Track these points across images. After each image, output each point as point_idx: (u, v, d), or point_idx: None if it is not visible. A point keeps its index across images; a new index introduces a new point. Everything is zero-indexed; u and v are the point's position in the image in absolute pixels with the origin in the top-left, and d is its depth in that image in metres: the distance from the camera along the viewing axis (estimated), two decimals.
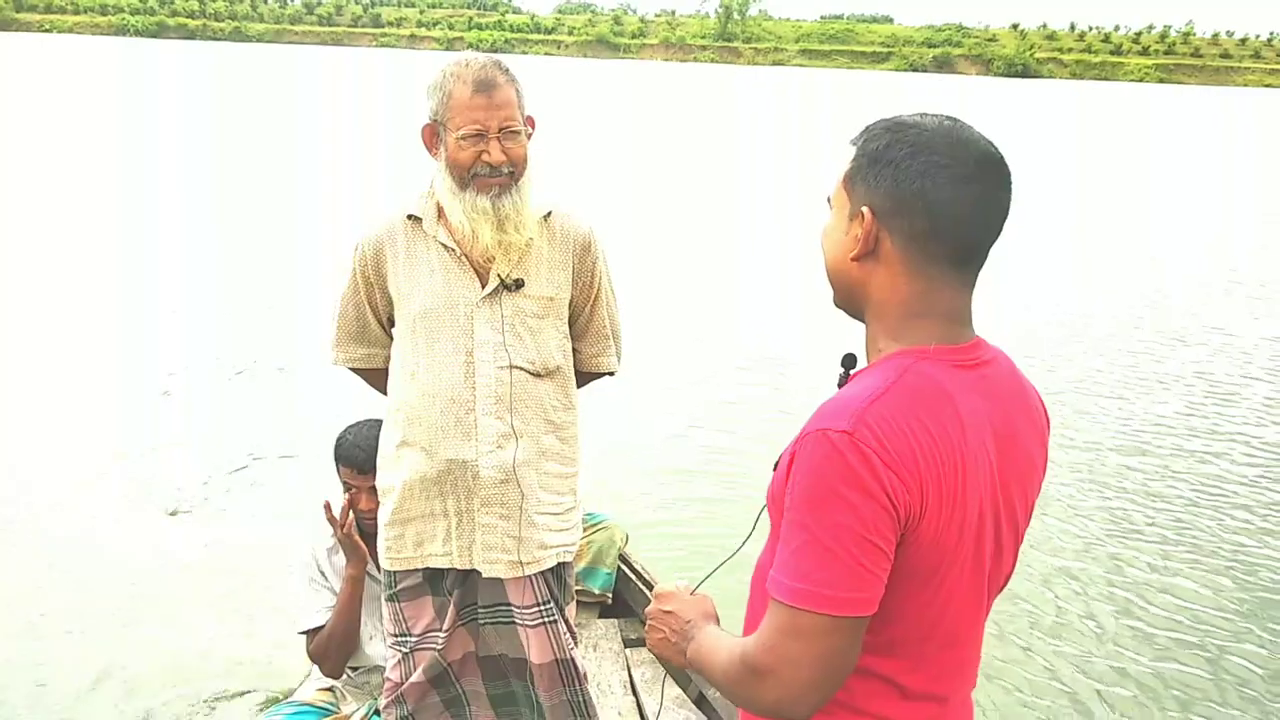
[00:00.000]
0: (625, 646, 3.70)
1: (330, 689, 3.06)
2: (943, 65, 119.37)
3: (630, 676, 3.53)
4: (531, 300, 2.40)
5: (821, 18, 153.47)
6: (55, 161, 16.41)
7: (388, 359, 2.55)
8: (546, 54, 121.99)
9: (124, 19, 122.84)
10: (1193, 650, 4.20)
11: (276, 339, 7.93)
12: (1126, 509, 5.44)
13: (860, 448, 1.20)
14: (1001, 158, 1.31)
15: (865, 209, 1.32)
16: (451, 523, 2.43)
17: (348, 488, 2.86)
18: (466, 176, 2.26)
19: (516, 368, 2.38)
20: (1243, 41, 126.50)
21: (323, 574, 2.96)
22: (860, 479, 1.19)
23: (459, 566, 2.47)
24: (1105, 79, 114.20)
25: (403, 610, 2.56)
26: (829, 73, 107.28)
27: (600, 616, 3.85)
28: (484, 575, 2.45)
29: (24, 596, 4.39)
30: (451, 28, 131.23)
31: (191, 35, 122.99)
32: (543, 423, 2.44)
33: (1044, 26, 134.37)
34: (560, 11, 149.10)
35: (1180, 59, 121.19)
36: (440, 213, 2.37)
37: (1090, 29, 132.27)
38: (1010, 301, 9.77)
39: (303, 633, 2.95)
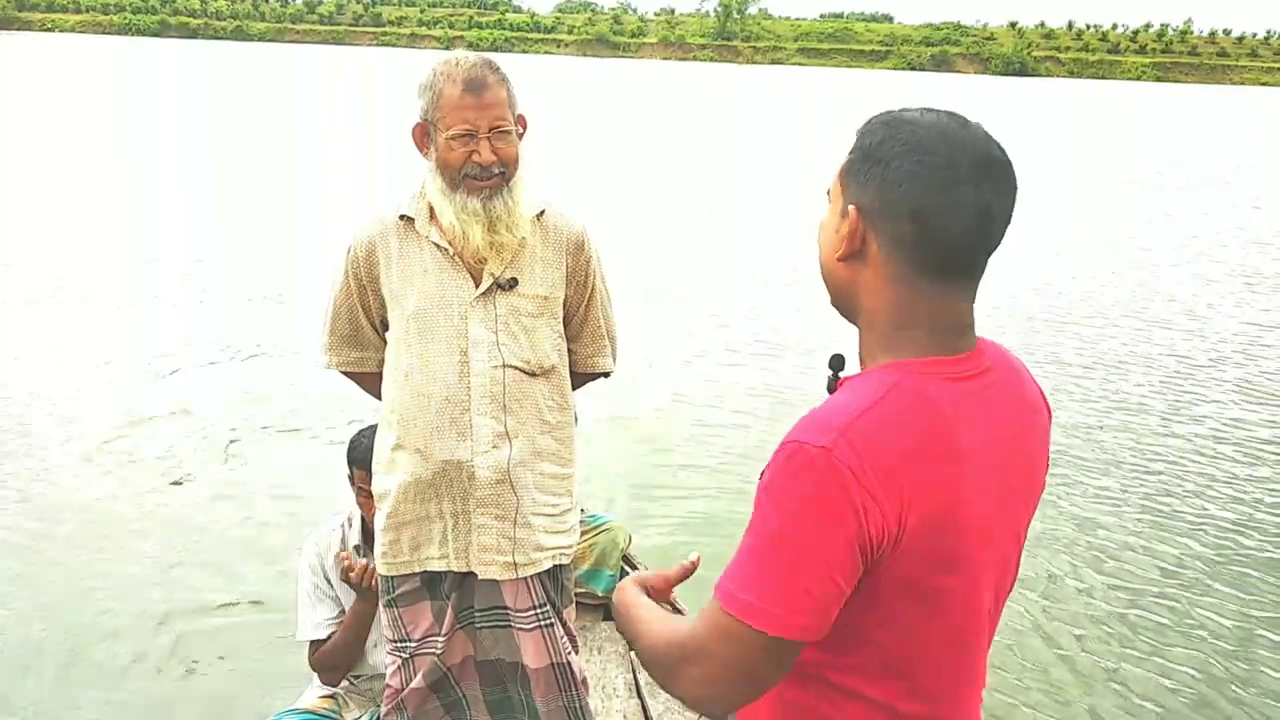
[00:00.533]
0: (629, 649, 3.64)
1: (332, 696, 3.07)
2: (940, 64, 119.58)
3: (635, 679, 3.53)
4: (525, 299, 2.40)
5: (821, 16, 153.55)
6: (56, 160, 16.63)
7: (380, 362, 2.53)
8: (546, 53, 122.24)
9: (126, 18, 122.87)
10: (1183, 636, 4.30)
11: (276, 327, 8.25)
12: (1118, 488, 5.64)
13: (837, 466, 1.15)
14: (1002, 160, 1.24)
15: (852, 207, 1.27)
16: (447, 525, 2.43)
17: (361, 493, 2.84)
18: (457, 177, 2.27)
19: (511, 367, 2.38)
20: (1240, 40, 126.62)
21: (328, 581, 2.94)
22: (830, 502, 1.15)
23: (456, 569, 2.46)
24: (1102, 77, 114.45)
25: (401, 616, 2.54)
26: (827, 71, 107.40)
27: (604, 619, 3.84)
28: (480, 578, 2.45)
29: (26, 562, 4.60)
30: (452, 26, 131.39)
31: (193, 34, 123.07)
32: (538, 423, 2.45)
33: (1042, 25, 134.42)
34: (560, 10, 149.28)
35: (1177, 57, 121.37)
36: (432, 213, 2.37)
37: (1088, 27, 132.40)
38: (1004, 294, 10.03)
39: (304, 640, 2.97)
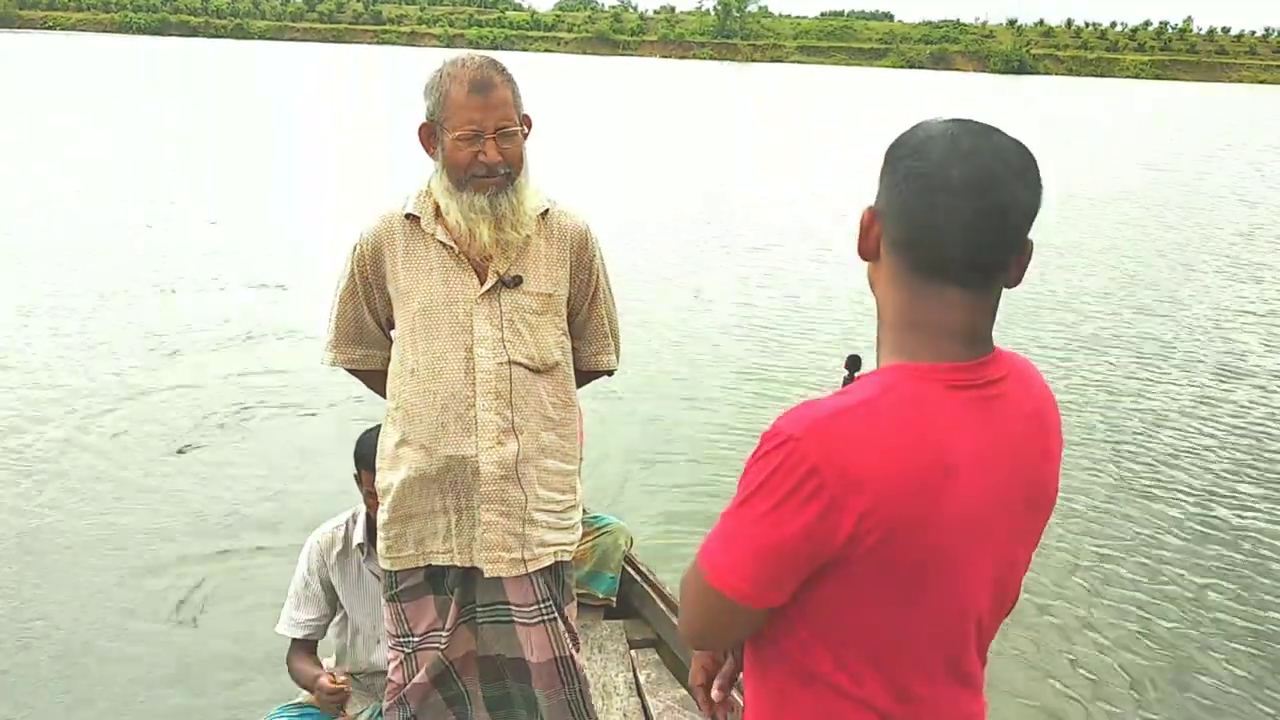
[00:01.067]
0: (630, 648, 3.72)
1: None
2: (940, 62, 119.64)
3: (635, 678, 3.56)
4: (530, 297, 2.43)
5: (821, 14, 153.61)
6: (57, 155, 16.82)
7: (385, 360, 2.55)
8: (546, 50, 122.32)
9: (126, 15, 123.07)
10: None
11: (276, 310, 8.60)
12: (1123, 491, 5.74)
13: (800, 458, 1.18)
14: (1002, 177, 1.21)
15: (867, 209, 1.31)
16: (451, 520, 2.45)
17: (370, 495, 2.82)
18: (464, 177, 2.30)
19: (516, 363, 2.41)
20: (1238, 38, 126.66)
21: (324, 584, 2.95)
22: (786, 489, 1.19)
23: (460, 564, 2.48)
24: (1101, 75, 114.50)
25: (404, 610, 2.56)
26: (826, 69, 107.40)
27: (605, 618, 3.88)
28: (485, 574, 2.47)
29: (29, 526, 4.85)
30: (452, 25, 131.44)
31: (194, 32, 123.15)
32: (542, 419, 2.47)
33: (1041, 23, 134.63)
34: (560, 8, 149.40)
35: (1176, 55, 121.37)
36: (438, 211, 2.39)
37: (1086, 25, 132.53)
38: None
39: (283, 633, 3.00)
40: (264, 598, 4.19)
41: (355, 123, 26.17)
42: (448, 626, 2.54)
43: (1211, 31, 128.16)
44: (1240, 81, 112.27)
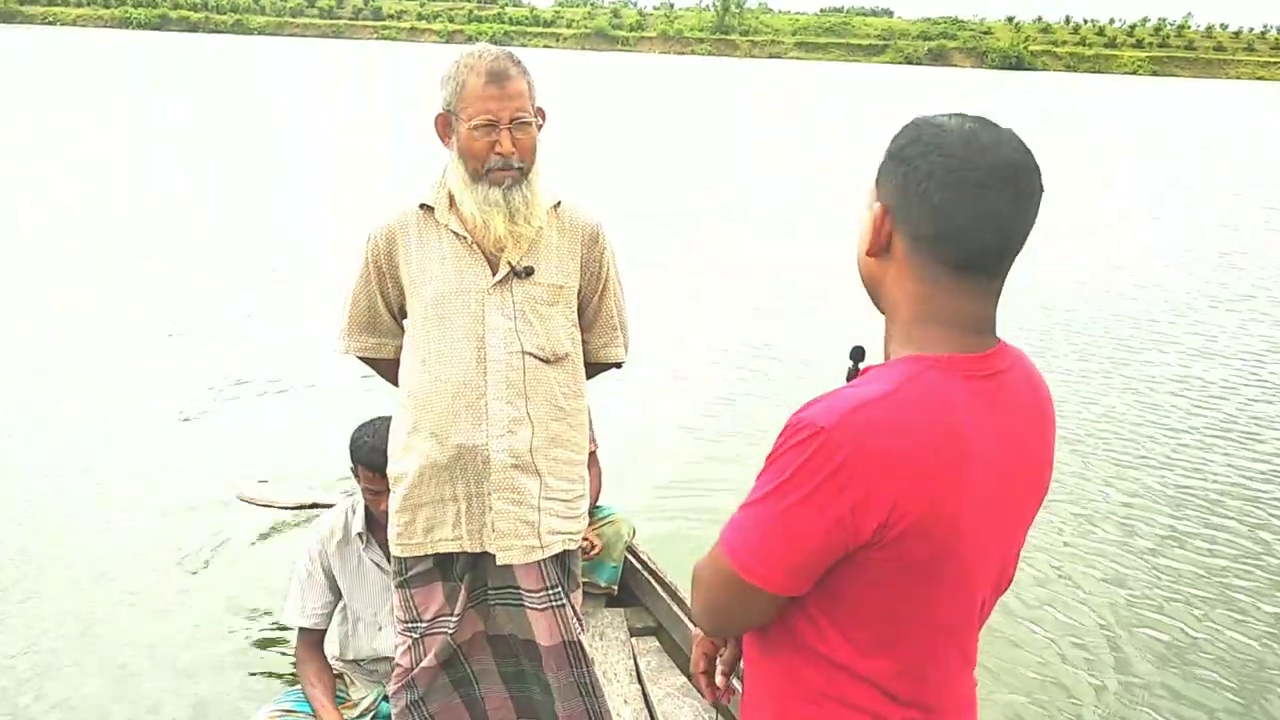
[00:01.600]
0: (631, 635, 3.75)
1: (340, 676, 3.10)
2: (938, 58, 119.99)
3: (636, 665, 3.58)
4: (541, 288, 2.44)
5: (821, 11, 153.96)
6: (59, 154, 16.84)
7: (397, 349, 2.57)
8: (545, 46, 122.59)
9: (126, 11, 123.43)
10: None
11: (276, 294, 8.89)
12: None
13: (831, 449, 1.20)
14: (1025, 167, 1.26)
15: (878, 205, 1.32)
16: (461, 507, 2.46)
17: (367, 491, 2.85)
18: (480, 169, 2.32)
19: (527, 354, 2.42)
20: (1236, 34, 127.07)
21: (325, 571, 2.96)
22: (817, 481, 1.21)
23: (469, 550, 2.50)
24: (1099, 71, 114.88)
25: (413, 596, 2.57)
26: (824, 66, 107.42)
27: (606, 606, 3.91)
28: (497, 562, 2.49)
29: (32, 492, 5.00)
30: (451, 20, 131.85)
31: (194, 28, 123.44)
32: (552, 409, 2.48)
33: (1039, 19, 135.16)
34: (559, 4, 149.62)
35: (1174, 51, 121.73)
36: (452, 201, 2.41)
37: (1085, 22, 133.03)
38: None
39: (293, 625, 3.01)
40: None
41: (357, 122, 26.17)
42: (456, 612, 2.56)
43: (1209, 28, 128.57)
44: (1238, 78, 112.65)
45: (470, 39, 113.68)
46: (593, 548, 3.73)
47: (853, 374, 1.40)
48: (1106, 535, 5.11)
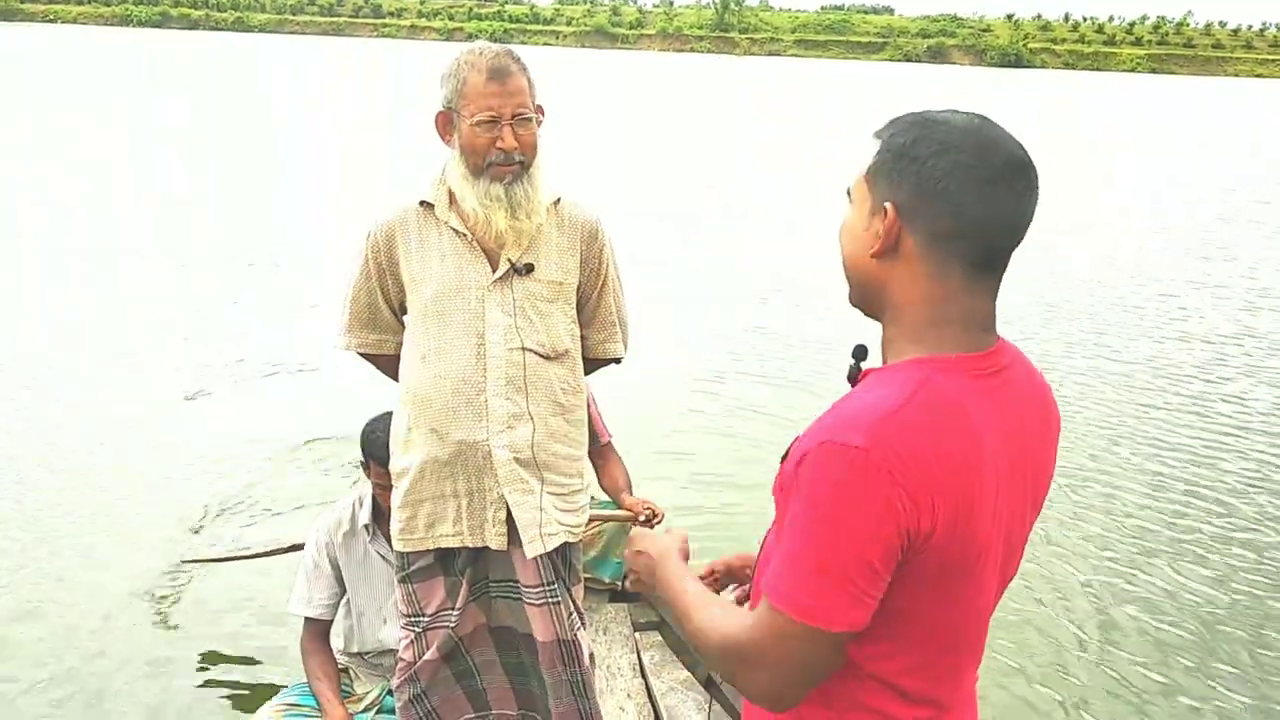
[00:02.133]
0: (635, 630, 3.77)
1: (345, 670, 3.11)
2: (937, 55, 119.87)
3: (640, 659, 3.60)
4: (541, 284, 2.46)
5: (822, 8, 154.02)
6: (60, 154, 16.87)
7: (398, 345, 2.57)
8: (545, 44, 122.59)
9: (127, 9, 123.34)
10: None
11: (277, 284, 9.06)
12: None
13: (878, 467, 1.18)
14: (1029, 161, 1.28)
15: (888, 205, 1.29)
16: (462, 503, 2.48)
17: (378, 487, 2.87)
18: (482, 164, 2.33)
19: (527, 350, 2.44)
20: (1235, 32, 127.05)
21: (331, 561, 2.97)
22: (872, 501, 1.18)
23: (470, 545, 2.52)
24: (1098, 69, 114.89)
25: (415, 591, 2.60)
26: (823, 63, 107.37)
27: (610, 601, 3.94)
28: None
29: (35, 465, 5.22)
30: (451, 18, 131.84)
31: (194, 25, 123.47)
32: (552, 405, 2.50)
33: (1038, 17, 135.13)
34: (559, 2, 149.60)
35: (1172, 49, 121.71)
36: (452, 199, 2.42)
37: (1084, 19, 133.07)
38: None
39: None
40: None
41: (357, 120, 26.16)
42: (458, 606, 2.58)
43: (1208, 26, 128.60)
44: (1236, 75, 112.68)
45: (470, 37, 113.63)
46: (654, 515, 3.63)
47: (854, 372, 1.38)
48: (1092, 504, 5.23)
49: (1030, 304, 9.59)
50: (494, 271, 2.42)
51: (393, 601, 2.86)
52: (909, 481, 1.18)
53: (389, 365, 2.63)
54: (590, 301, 2.61)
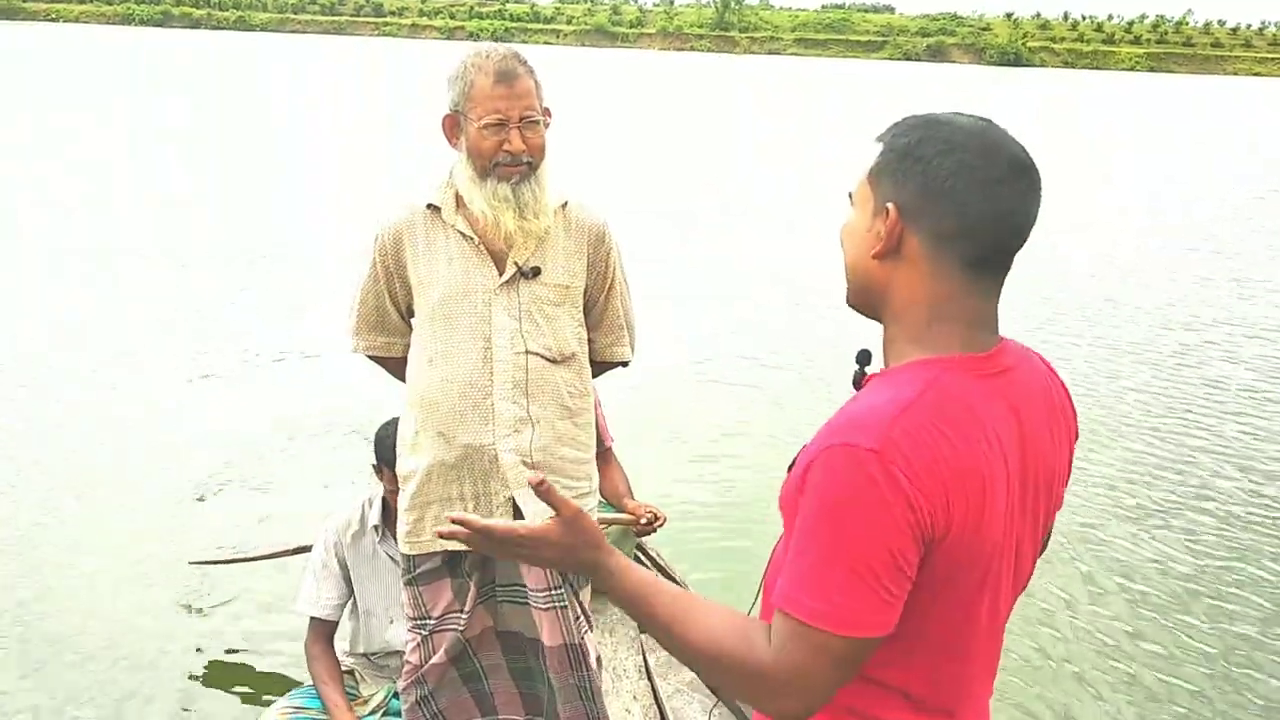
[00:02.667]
0: (640, 632, 3.74)
1: (350, 672, 3.10)
2: (936, 54, 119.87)
3: (645, 661, 3.57)
4: (548, 288, 2.45)
5: (822, 7, 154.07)
6: (60, 154, 16.86)
7: (406, 348, 2.57)
8: (546, 43, 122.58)
9: (129, 7, 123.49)
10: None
11: (278, 278, 9.14)
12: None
13: (889, 468, 1.16)
14: (1033, 164, 1.28)
15: (890, 205, 1.29)
16: (468, 506, 2.48)
17: (390, 492, 2.86)
18: (488, 165, 2.31)
19: (533, 353, 2.43)
20: (1234, 31, 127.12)
21: (340, 561, 2.97)
22: (888, 501, 1.16)
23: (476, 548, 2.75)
24: (1097, 68, 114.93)
25: (421, 594, 2.59)
26: (823, 62, 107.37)
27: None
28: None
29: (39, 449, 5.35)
30: (453, 17, 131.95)
31: (196, 24, 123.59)
32: (559, 408, 2.49)
33: (1038, 15, 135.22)
34: (560, 1, 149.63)
35: (1171, 48, 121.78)
36: (459, 202, 2.42)
37: (1083, 18, 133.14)
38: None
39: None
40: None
41: (357, 120, 26.16)
42: (465, 609, 2.58)
43: (1207, 25, 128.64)
44: (1235, 74, 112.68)
45: (471, 35, 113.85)
46: (656, 519, 3.66)
47: (858, 377, 1.38)
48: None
49: (1029, 302, 9.60)
50: (500, 275, 2.42)
51: (400, 603, 2.85)
52: (920, 482, 1.17)
53: (397, 368, 2.63)
54: (597, 305, 2.60)
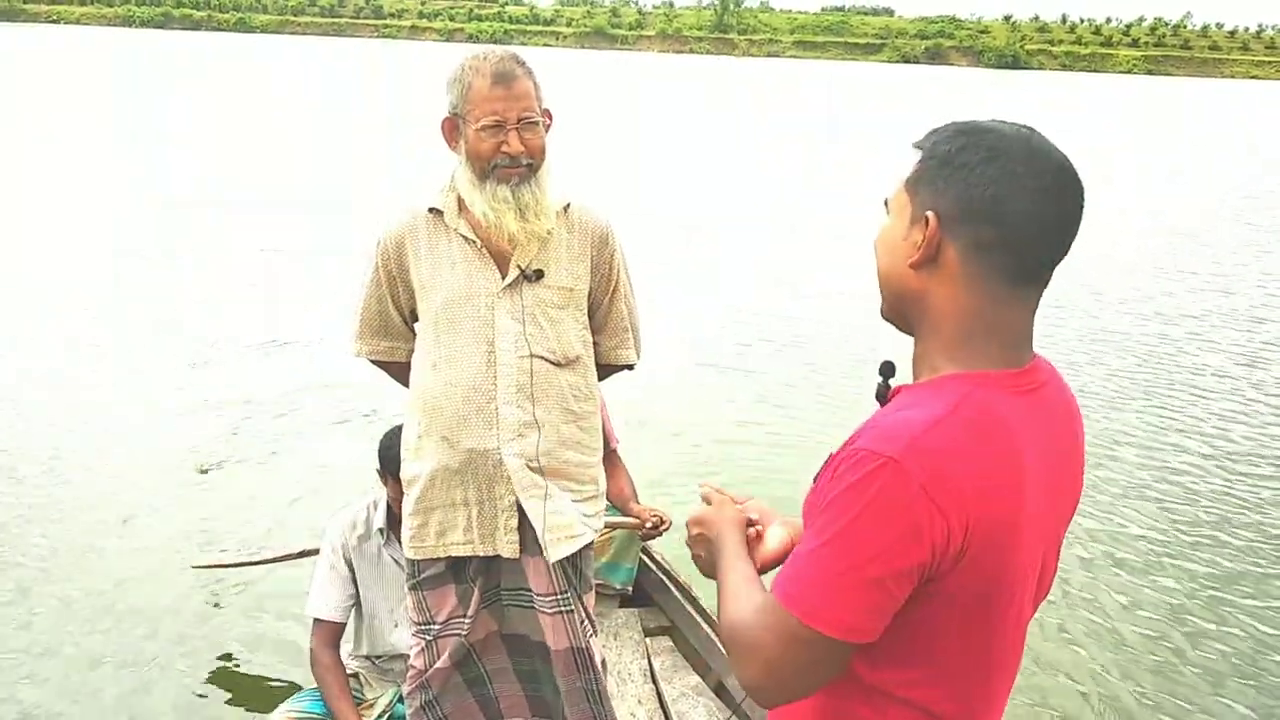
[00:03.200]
0: (645, 635, 3.72)
1: (355, 675, 3.08)
2: (934, 57, 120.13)
3: (650, 665, 3.55)
4: (551, 290, 2.42)
5: (822, 9, 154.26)
6: (59, 154, 16.90)
7: (409, 353, 2.56)
8: (545, 45, 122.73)
9: (129, 9, 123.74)
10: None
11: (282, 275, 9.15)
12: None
13: (906, 479, 1.14)
14: (1075, 172, 1.24)
15: (930, 214, 1.25)
16: (473, 511, 2.46)
17: (394, 499, 2.85)
18: (487, 168, 2.30)
19: (537, 357, 2.41)
20: (1231, 34, 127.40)
21: (347, 563, 2.96)
22: (896, 512, 1.15)
23: (480, 553, 2.49)
24: (1094, 70, 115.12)
25: (426, 599, 2.58)
26: (821, 64, 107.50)
27: (620, 606, 3.88)
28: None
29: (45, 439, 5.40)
30: (452, 19, 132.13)
31: (196, 26, 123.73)
32: (563, 412, 2.47)
33: (1036, 19, 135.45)
34: (560, 3, 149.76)
35: (1169, 50, 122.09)
36: (461, 205, 2.40)
37: (1081, 21, 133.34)
38: None
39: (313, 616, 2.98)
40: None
41: (358, 120, 26.15)
42: (469, 613, 2.56)
43: (1205, 27, 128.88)
44: (1232, 76, 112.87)
45: (470, 37, 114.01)
46: (661, 523, 3.65)
47: (882, 390, 1.34)
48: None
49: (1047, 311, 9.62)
50: (504, 278, 2.39)
51: (404, 606, 2.83)
52: (942, 498, 1.14)
53: (400, 372, 2.61)
54: (602, 307, 2.57)
